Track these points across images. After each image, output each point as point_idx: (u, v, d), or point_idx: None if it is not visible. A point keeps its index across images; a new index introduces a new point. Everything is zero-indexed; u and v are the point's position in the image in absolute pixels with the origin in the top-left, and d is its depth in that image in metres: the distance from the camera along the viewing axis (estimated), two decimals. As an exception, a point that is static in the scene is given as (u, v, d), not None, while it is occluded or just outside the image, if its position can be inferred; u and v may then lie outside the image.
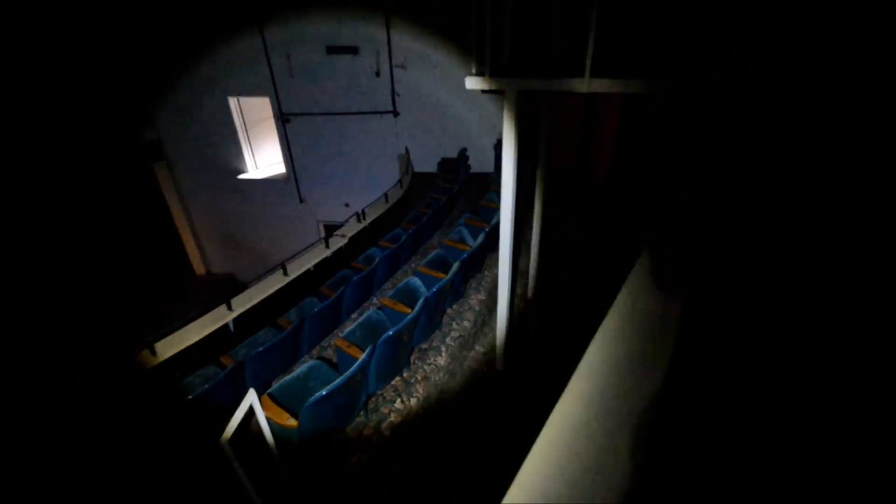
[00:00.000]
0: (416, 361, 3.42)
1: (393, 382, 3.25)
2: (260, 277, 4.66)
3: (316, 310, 3.46)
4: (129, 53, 6.94)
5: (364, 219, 5.44)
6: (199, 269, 9.72)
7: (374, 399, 3.10)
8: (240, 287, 4.55)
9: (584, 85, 2.01)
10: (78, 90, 6.65)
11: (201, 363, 3.52)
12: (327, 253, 4.83)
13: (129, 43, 6.85)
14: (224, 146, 7.82)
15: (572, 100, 5.44)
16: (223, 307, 4.08)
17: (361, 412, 2.97)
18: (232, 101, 7.38)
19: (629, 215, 4.68)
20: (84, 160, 7.01)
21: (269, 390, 2.78)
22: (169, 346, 3.63)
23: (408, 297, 3.34)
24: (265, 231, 8.37)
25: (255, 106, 7.60)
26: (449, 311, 3.93)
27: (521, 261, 4.46)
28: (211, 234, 9.23)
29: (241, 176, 7.89)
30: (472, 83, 2.28)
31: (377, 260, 4.14)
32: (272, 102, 7.04)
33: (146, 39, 6.86)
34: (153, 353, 3.59)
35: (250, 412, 2.42)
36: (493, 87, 2.25)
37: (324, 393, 2.32)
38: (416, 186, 6.47)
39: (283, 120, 7.11)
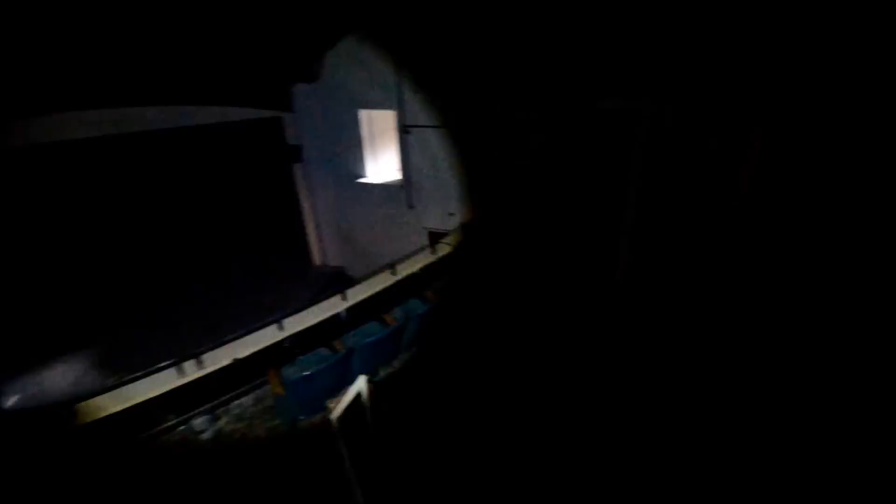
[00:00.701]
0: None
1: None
2: (369, 275, 5.07)
3: (420, 312, 3.66)
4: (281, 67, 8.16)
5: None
6: (317, 259, 10.96)
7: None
8: (350, 280, 5.01)
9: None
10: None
11: (316, 344, 3.94)
12: (433, 258, 5.06)
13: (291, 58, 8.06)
14: (349, 152, 8.76)
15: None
16: (338, 296, 4.52)
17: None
18: (362, 114, 8.23)
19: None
20: (248, 159, 8.55)
21: (373, 378, 3.02)
22: (294, 324, 4.13)
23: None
24: (376, 232, 9.09)
25: (379, 118, 8.37)
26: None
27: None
28: (329, 230, 10.36)
29: (361, 180, 8.69)
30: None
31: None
32: (396, 115, 7.67)
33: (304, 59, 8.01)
34: (281, 327, 4.12)
35: (357, 396, 2.66)
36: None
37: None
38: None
39: (404, 131, 7.69)
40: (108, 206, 7.32)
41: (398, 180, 8.37)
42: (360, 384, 2.55)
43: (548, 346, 4.25)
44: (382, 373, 3.86)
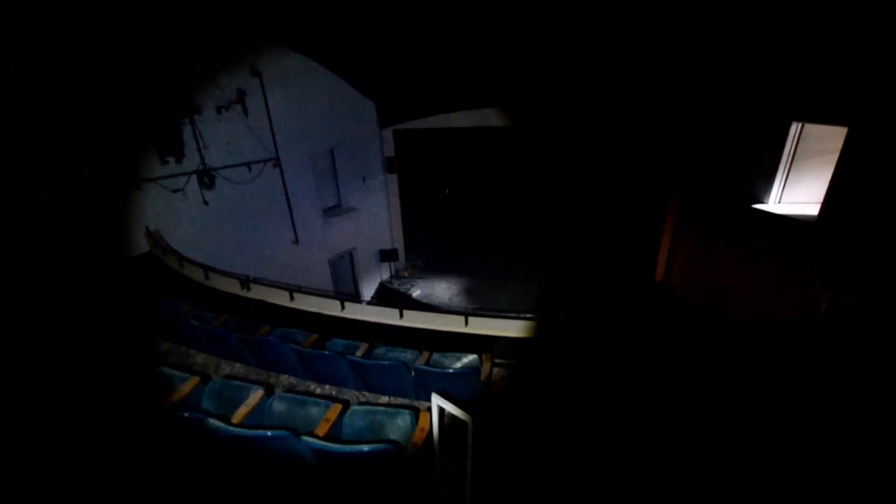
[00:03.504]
0: None
1: None
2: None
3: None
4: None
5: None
6: (659, 276, 10.27)
7: None
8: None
9: None
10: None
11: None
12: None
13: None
14: (752, 173, 7.36)
15: None
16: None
17: None
18: (794, 127, 6.65)
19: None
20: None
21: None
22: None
23: None
24: (748, 272, 7.46)
25: (824, 135, 6.50)
26: None
27: None
28: (685, 252, 9.36)
29: (758, 206, 7.20)
30: None
31: None
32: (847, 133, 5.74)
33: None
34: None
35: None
36: None
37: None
38: None
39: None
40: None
41: (811, 216, 6.41)
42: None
43: None
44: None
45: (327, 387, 4.30)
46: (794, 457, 3.18)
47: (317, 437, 2.66)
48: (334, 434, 2.86)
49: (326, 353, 3.90)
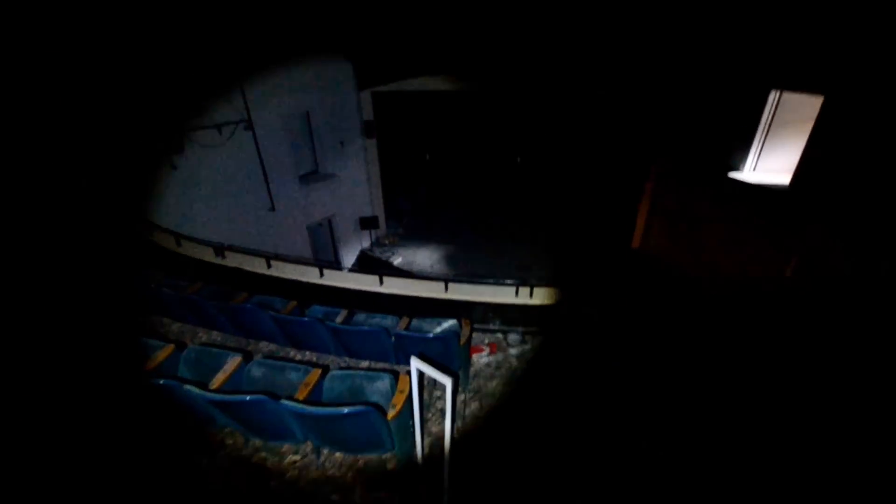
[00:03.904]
0: None
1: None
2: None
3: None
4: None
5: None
6: (636, 242, 10.51)
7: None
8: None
9: None
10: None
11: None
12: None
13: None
14: (728, 141, 7.45)
15: None
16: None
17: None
18: (772, 95, 6.70)
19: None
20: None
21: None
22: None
23: None
24: (722, 239, 7.68)
25: (800, 104, 6.57)
26: None
27: None
28: (662, 218, 9.54)
29: (733, 174, 7.33)
30: None
31: None
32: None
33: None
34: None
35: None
36: None
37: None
38: None
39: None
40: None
41: (783, 185, 6.58)
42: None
43: None
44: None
45: (307, 353, 4.30)
46: (764, 411, 3.39)
47: (296, 400, 2.68)
48: (314, 398, 2.88)
49: (306, 319, 3.87)
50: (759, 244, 6.85)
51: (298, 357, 4.29)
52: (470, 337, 3.83)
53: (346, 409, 2.44)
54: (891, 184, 5.11)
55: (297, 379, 2.99)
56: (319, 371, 3.00)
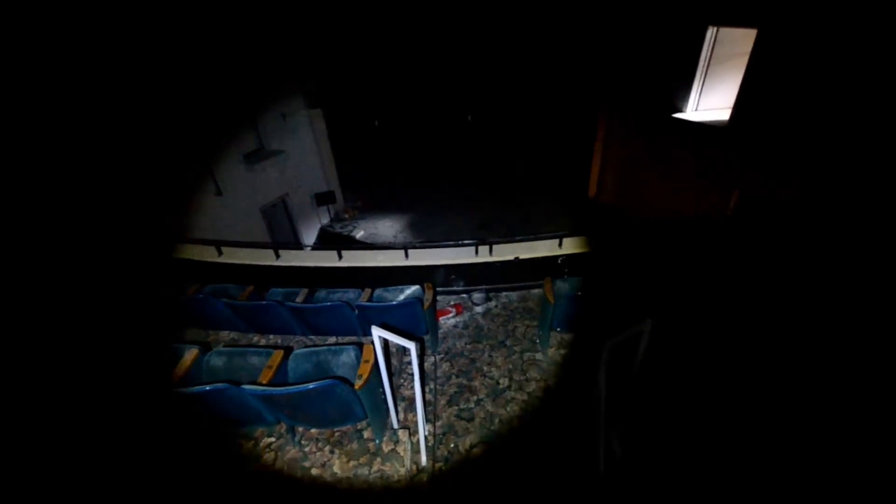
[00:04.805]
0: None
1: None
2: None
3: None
4: None
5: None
6: (592, 190, 10.76)
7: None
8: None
9: None
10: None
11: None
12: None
13: None
14: (670, 81, 7.58)
15: None
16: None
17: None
18: (710, 32, 6.80)
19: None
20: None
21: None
22: (570, 245, 4.22)
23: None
24: (672, 180, 7.98)
25: (736, 39, 6.72)
26: None
27: None
28: (614, 166, 9.78)
29: (677, 115, 7.52)
30: None
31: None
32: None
33: None
34: (560, 244, 4.28)
35: (639, 334, 2.53)
36: None
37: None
38: None
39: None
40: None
41: (723, 121, 6.82)
42: (646, 327, 2.41)
43: None
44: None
45: (272, 337, 4.21)
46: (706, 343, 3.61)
47: (259, 384, 2.63)
48: (279, 380, 2.83)
49: (264, 303, 3.76)
50: (703, 182, 7.16)
51: (263, 342, 4.19)
52: (434, 300, 3.84)
53: (311, 385, 2.42)
54: (821, 113, 5.39)
55: (260, 363, 2.92)
56: (282, 352, 2.94)
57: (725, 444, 2.74)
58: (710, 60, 7.17)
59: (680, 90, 7.45)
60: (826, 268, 4.21)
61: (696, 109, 7.57)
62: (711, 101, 7.53)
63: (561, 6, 8.82)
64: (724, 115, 7.07)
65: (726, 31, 6.83)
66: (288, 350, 3.01)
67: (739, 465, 2.61)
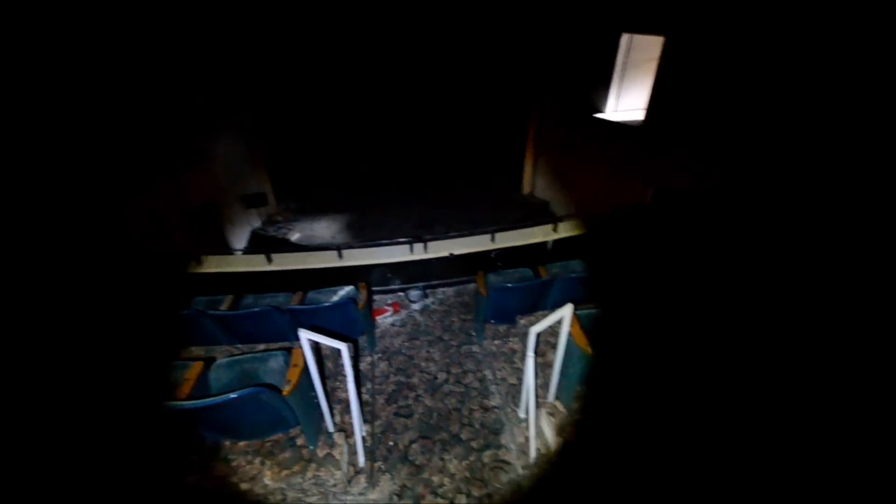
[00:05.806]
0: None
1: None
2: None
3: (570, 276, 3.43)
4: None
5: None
6: (526, 188, 11.18)
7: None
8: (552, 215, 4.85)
9: None
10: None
11: (519, 264, 4.09)
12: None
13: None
14: (592, 83, 8.09)
15: None
16: (549, 226, 4.49)
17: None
18: (624, 38, 7.32)
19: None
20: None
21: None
22: (505, 239, 4.36)
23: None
24: (595, 177, 8.50)
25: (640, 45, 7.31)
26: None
27: None
28: (545, 164, 10.24)
29: (598, 115, 8.03)
30: None
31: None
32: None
33: None
34: (493, 239, 4.41)
35: (560, 322, 2.67)
36: None
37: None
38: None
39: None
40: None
41: (640, 121, 7.41)
42: (567, 312, 2.54)
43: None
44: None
45: (194, 349, 3.92)
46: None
47: (175, 399, 2.44)
48: (200, 393, 2.65)
49: (185, 312, 3.49)
50: (624, 178, 7.70)
51: (184, 355, 3.89)
52: (369, 300, 3.80)
53: (234, 395, 2.29)
54: (719, 112, 6.00)
55: (178, 378, 2.71)
56: (201, 364, 2.75)
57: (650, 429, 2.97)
58: (626, 64, 7.74)
59: (600, 91, 7.96)
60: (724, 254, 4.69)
61: (615, 110, 8.13)
62: (629, 102, 8.12)
63: (492, 11, 9.07)
64: (639, 115, 7.67)
65: (640, 38, 7.40)
66: (209, 361, 2.83)
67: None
